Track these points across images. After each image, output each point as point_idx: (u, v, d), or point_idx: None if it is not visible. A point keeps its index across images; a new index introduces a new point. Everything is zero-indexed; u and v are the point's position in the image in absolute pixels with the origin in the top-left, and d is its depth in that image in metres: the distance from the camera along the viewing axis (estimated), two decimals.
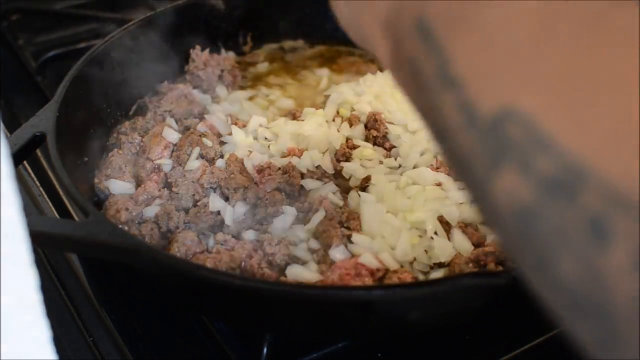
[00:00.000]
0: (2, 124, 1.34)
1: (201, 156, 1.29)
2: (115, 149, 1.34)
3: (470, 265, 1.11)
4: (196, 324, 1.15)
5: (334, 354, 1.10)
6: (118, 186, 1.27)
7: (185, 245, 1.12)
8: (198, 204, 1.21)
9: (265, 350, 1.06)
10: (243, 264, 1.11)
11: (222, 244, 1.14)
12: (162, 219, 1.19)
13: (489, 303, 1.08)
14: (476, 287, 0.96)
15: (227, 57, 1.62)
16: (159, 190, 1.26)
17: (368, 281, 1.08)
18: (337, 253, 1.13)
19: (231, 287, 0.98)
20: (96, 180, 1.30)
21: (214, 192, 1.23)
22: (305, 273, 1.11)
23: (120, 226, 1.18)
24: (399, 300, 0.98)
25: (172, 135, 1.34)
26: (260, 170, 1.27)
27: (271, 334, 1.07)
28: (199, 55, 1.57)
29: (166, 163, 1.31)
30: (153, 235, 1.18)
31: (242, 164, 1.27)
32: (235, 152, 1.30)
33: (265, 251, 1.13)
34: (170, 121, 1.41)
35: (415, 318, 1.04)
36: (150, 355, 1.11)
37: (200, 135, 1.32)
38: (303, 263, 1.14)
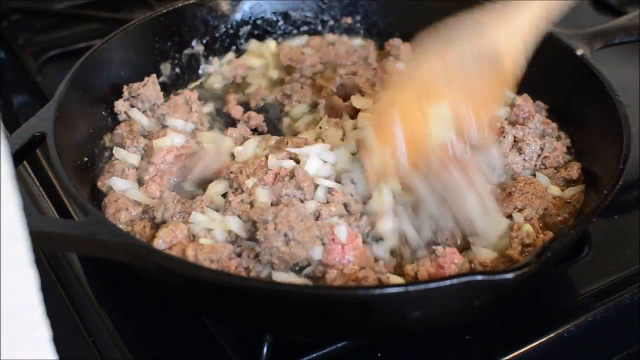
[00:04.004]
0: (2, 124, 1.34)
1: None
2: (119, 152, 1.34)
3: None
4: (196, 324, 1.15)
5: (334, 354, 1.10)
6: (121, 183, 1.27)
7: (173, 232, 1.13)
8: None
9: (265, 350, 1.06)
10: (224, 262, 1.11)
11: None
12: (158, 209, 1.20)
13: (489, 302, 1.08)
14: (476, 286, 0.96)
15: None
16: (160, 192, 1.26)
17: None
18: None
19: (231, 287, 0.98)
20: (99, 184, 1.30)
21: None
22: (290, 279, 1.11)
23: (119, 226, 1.18)
24: (399, 300, 0.98)
25: (176, 139, 1.34)
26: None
27: (271, 334, 1.07)
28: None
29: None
30: (144, 232, 1.18)
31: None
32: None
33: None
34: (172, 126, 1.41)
35: (415, 317, 1.04)
36: (150, 355, 1.11)
37: None
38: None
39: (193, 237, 1.15)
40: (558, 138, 1.41)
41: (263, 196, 1.18)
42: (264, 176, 1.22)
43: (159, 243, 1.12)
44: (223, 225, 1.16)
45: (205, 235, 1.15)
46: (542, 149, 1.34)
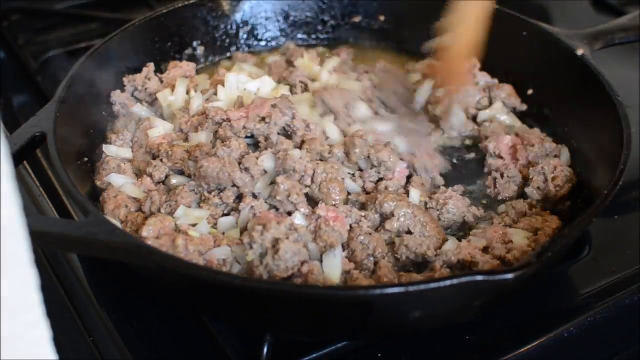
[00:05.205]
0: (2, 124, 1.34)
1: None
2: (109, 148, 1.34)
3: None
4: (196, 324, 1.15)
5: (334, 354, 1.10)
6: (119, 179, 1.27)
7: (161, 223, 1.14)
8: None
9: (265, 350, 1.06)
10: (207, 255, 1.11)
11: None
12: (145, 203, 1.21)
13: (489, 302, 1.08)
14: (475, 286, 0.96)
15: None
16: (156, 184, 1.27)
17: None
18: None
19: (231, 287, 0.98)
20: (98, 182, 1.30)
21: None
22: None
23: (118, 223, 1.19)
24: (399, 300, 0.97)
25: (166, 125, 1.35)
26: None
27: (271, 334, 1.07)
28: None
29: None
30: (135, 220, 1.19)
31: None
32: None
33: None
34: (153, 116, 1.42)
35: (415, 317, 1.04)
36: (150, 355, 1.11)
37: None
38: None
39: (179, 231, 1.16)
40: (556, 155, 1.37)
41: (202, 137, 1.32)
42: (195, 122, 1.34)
43: (148, 230, 1.13)
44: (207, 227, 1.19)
45: (189, 229, 1.16)
46: (545, 175, 1.30)
